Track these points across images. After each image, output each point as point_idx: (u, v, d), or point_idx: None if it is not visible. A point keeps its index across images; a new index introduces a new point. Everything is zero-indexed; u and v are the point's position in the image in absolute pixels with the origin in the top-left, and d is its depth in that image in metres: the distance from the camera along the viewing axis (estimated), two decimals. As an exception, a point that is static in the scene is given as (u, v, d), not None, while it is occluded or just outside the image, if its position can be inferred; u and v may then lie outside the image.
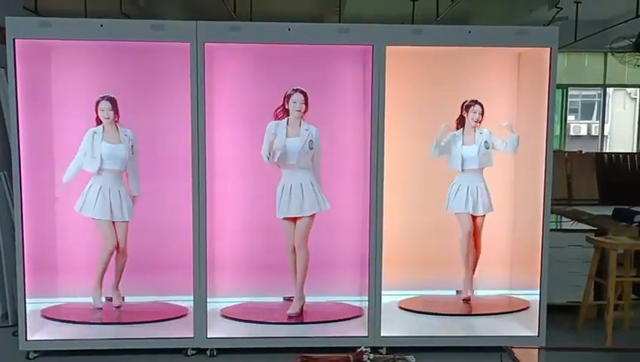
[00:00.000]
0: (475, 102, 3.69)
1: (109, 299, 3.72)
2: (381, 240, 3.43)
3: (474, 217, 3.78)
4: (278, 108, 3.55)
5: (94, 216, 3.59)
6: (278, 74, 3.63)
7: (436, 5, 7.27)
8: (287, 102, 3.54)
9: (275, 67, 3.63)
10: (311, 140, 3.55)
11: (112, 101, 3.53)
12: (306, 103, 3.54)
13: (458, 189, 3.75)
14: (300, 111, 3.53)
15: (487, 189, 3.75)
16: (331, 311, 3.71)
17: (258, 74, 3.64)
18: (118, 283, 3.69)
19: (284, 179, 3.58)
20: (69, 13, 7.68)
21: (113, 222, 3.61)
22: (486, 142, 3.70)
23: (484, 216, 3.78)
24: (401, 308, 3.77)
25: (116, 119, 3.55)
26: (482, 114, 3.69)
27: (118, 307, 3.71)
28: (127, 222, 3.63)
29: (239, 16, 7.68)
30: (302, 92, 3.54)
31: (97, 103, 3.52)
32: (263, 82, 3.62)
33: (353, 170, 3.63)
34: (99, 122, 3.55)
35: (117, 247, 3.65)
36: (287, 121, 3.55)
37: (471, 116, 3.69)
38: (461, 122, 3.72)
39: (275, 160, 3.51)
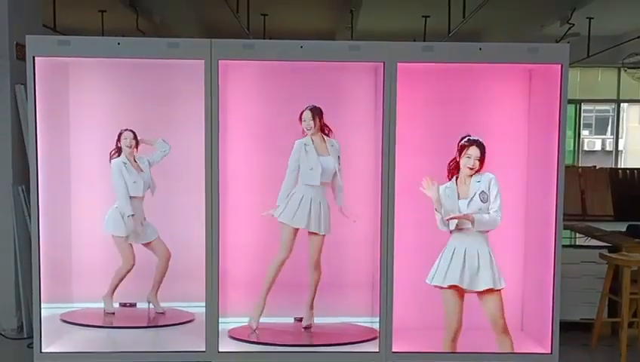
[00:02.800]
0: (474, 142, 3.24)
1: (123, 305, 3.79)
2: (392, 255, 3.43)
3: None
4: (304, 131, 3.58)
5: (115, 234, 3.70)
6: (290, 90, 3.66)
7: (448, 21, 7.32)
8: (300, 121, 3.58)
9: (287, 83, 3.68)
10: (338, 156, 3.58)
11: (133, 132, 3.65)
12: (314, 119, 3.55)
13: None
14: (309, 129, 3.55)
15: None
16: (344, 333, 3.65)
17: (271, 90, 3.69)
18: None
19: (303, 192, 3.56)
20: (87, 30, 7.88)
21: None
22: (483, 192, 3.22)
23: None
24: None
25: (136, 149, 3.66)
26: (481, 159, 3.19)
27: (162, 313, 3.80)
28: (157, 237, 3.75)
29: (253, 33, 7.79)
30: (310, 109, 3.56)
31: (120, 134, 3.63)
32: (275, 98, 3.66)
33: (365, 186, 3.64)
34: (118, 153, 3.66)
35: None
36: (312, 140, 3.57)
37: (464, 162, 3.21)
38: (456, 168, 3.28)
39: (318, 181, 3.51)
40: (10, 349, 3.98)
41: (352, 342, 3.57)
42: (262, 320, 3.66)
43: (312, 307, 3.66)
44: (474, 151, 3.27)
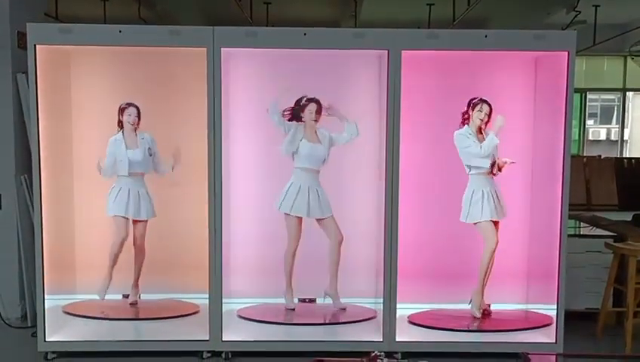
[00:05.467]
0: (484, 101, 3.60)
1: (126, 296, 3.78)
2: (396, 244, 3.43)
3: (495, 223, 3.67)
4: (287, 109, 3.59)
5: (113, 214, 3.67)
6: (293, 78, 3.64)
7: (452, 9, 7.24)
8: (303, 111, 3.60)
9: (290, 71, 3.65)
10: (329, 145, 3.62)
11: (137, 108, 3.63)
12: (319, 113, 3.60)
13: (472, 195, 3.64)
14: (316, 121, 3.61)
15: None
16: (347, 313, 3.72)
17: (274, 78, 3.66)
18: (137, 280, 3.75)
19: (300, 182, 3.63)
20: (89, 19, 7.83)
21: (132, 220, 3.70)
22: (496, 146, 3.60)
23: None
24: (411, 322, 3.65)
25: (137, 125, 3.63)
26: (489, 115, 3.59)
27: (134, 304, 3.77)
28: (146, 221, 3.72)
29: (256, 22, 7.73)
30: (316, 102, 3.59)
31: (123, 109, 3.61)
32: (278, 86, 3.64)
33: (369, 173, 3.63)
34: (120, 125, 3.63)
35: (134, 243, 3.73)
36: (304, 126, 3.61)
37: (476, 115, 3.59)
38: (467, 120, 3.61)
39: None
40: (14, 338, 3.99)
41: (352, 321, 3.66)
42: (269, 301, 3.74)
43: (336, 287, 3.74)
44: (485, 107, 3.59)
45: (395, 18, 8.55)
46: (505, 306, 3.74)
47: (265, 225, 3.72)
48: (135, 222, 3.71)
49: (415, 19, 8.28)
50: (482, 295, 3.67)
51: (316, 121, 3.60)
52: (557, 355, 3.47)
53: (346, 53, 3.53)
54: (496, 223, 3.66)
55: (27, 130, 4.19)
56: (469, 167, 3.62)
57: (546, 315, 3.57)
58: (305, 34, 3.36)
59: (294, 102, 3.59)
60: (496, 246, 3.64)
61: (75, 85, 3.66)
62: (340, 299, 3.74)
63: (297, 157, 3.61)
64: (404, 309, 3.58)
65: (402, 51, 3.34)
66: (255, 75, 3.65)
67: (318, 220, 3.69)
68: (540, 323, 3.60)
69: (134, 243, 3.74)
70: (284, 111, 3.58)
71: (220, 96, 3.35)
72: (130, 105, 3.61)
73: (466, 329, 3.61)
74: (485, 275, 3.66)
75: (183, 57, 3.48)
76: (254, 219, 3.71)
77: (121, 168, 3.61)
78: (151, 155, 3.64)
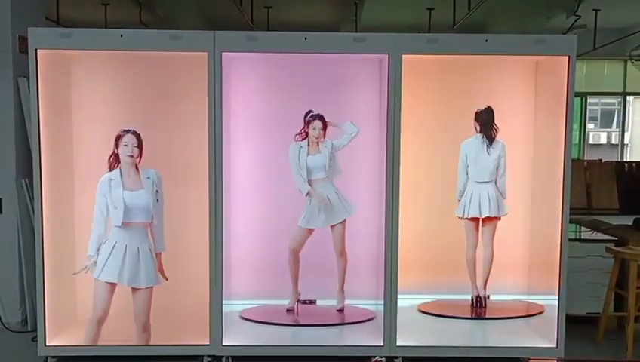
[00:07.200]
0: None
1: None
2: (397, 246, 3.41)
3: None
4: (301, 130, 3.63)
5: (103, 278, 3.14)
6: (294, 82, 3.65)
7: (453, 14, 7.26)
8: (308, 127, 3.62)
9: (291, 76, 3.66)
10: (331, 152, 3.65)
11: (138, 136, 3.12)
12: (324, 129, 3.62)
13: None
14: (318, 137, 3.63)
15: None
16: (347, 314, 3.76)
17: (275, 82, 3.67)
18: None
19: (312, 192, 3.67)
20: (90, 23, 7.85)
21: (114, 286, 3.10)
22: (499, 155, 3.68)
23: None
24: (420, 311, 3.76)
25: (139, 159, 3.14)
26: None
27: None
28: (148, 288, 3.21)
29: (256, 26, 7.76)
30: (320, 118, 3.61)
31: (119, 137, 3.18)
32: (279, 91, 3.65)
33: (369, 177, 3.63)
34: (115, 160, 3.22)
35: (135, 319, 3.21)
36: (308, 142, 3.65)
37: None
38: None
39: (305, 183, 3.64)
40: (14, 342, 3.99)
41: (352, 322, 3.70)
42: (270, 302, 3.77)
43: (342, 290, 3.76)
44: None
45: (394, 23, 8.57)
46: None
47: (264, 228, 3.72)
48: (133, 290, 3.15)
49: (415, 24, 8.31)
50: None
51: (319, 136, 3.61)
52: (558, 360, 3.46)
53: (347, 57, 3.54)
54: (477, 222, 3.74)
55: (28, 134, 4.20)
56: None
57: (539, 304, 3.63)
58: (305, 38, 3.36)
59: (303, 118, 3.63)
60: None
61: (75, 89, 3.66)
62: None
63: (307, 173, 3.65)
64: (405, 300, 3.61)
65: (403, 56, 3.35)
66: (256, 79, 3.66)
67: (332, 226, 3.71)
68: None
69: (135, 319, 3.22)
70: (300, 133, 3.62)
71: (221, 100, 3.35)
72: (127, 131, 3.01)
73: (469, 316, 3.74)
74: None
75: (184, 62, 3.48)
76: (254, 222, 3.72)
77: (116, 217, 2.94)
78: (158, 200, 3.03)
